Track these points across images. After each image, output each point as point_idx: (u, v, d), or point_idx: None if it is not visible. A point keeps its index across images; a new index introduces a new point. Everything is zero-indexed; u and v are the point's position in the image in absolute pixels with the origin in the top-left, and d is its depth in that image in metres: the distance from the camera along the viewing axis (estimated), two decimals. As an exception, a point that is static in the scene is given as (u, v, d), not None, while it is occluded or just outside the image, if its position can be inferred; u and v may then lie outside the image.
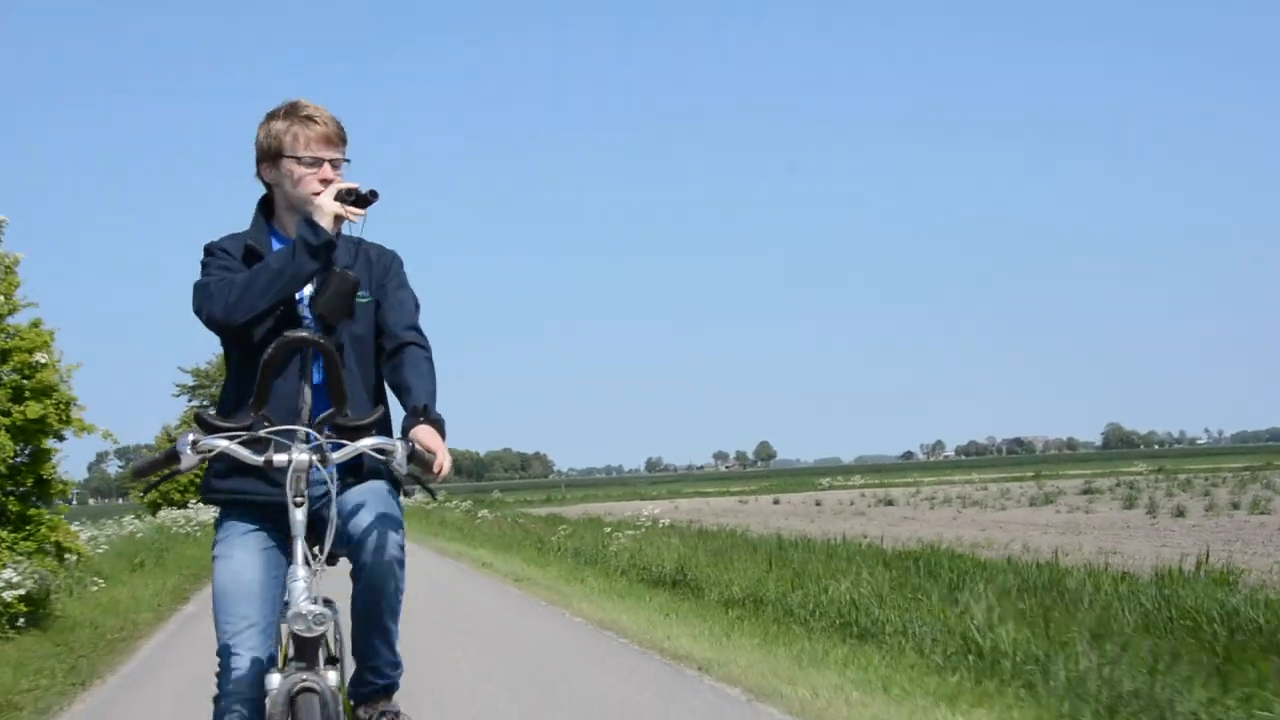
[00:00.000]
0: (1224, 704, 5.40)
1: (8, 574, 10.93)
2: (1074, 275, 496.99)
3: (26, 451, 11.56)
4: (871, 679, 6.68)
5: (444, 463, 3.11)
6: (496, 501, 58.25)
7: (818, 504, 46.65)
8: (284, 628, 3.05)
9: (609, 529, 18.44)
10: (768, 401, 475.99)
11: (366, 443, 3.11)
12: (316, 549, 3.14)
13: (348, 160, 3.49)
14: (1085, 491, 46.14)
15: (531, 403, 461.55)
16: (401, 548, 3.31)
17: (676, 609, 10.66)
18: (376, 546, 3.21)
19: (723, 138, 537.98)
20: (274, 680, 2.90)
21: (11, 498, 11.39)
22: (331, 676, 2.99)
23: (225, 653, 3.15)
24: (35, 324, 11.68)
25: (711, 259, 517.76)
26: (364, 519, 3.23)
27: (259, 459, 3.04)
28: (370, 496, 3.30)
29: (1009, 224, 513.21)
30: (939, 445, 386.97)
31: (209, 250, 3.46)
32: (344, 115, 3.53)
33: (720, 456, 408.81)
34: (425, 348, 3.44)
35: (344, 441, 3.14)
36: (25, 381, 11.42)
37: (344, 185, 3.33)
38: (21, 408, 11.20)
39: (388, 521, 3.25)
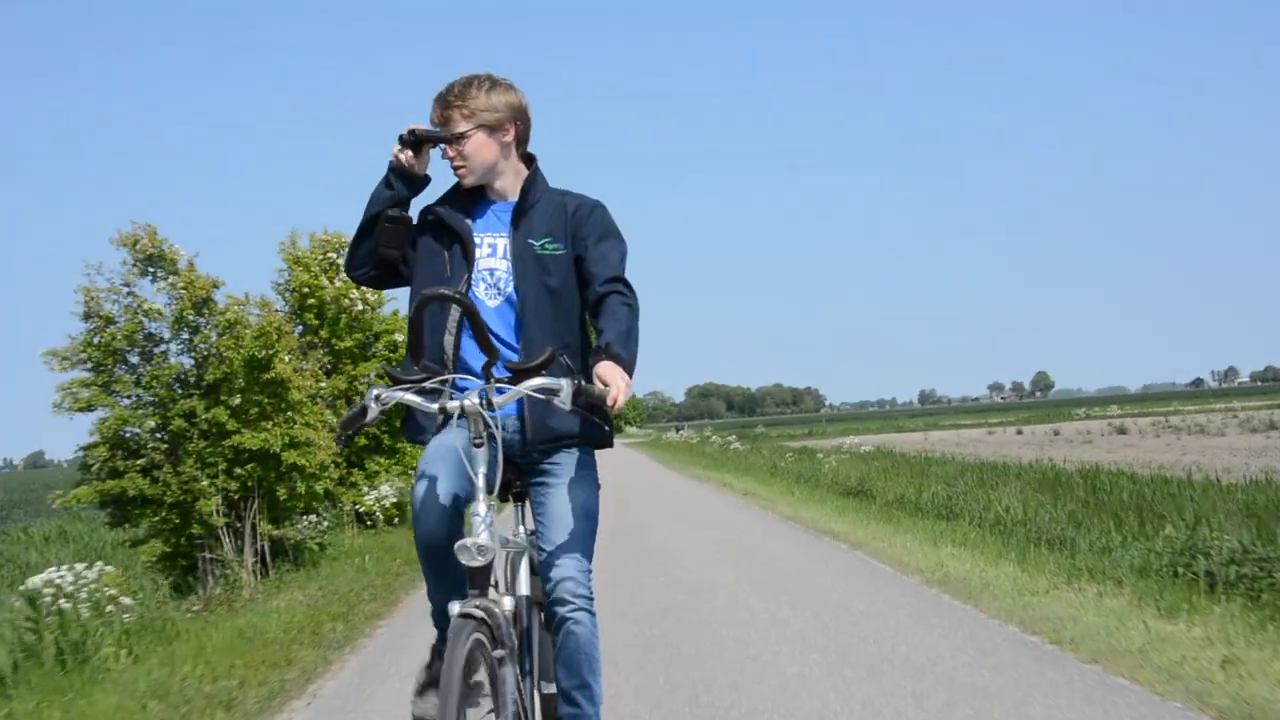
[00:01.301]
0: None
1: (384, 489, 16.35)
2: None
3: (393, 403, 16.88)
4: (934, 540, 10.76)
5: (617, 397, 3.15)
6: (760, 436, 62.02)
7: (1056, 434, 49.04)
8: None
9: (821, 455, 22.75)
10: (1047, 330, 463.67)
11: (530, 384, 3.19)
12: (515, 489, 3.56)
13: (483, 126, 3.56)
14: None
15: (803, 338, 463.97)
16: (588, 589, 3.41)
17: (846, 507, 14.92)
18: (560, 589, 3.36)
19: (1005, 69, 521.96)
20: (454, 607, 3.01)
21: (385, 435, 16.56)
22: (507, 602, 3.18)
23: (418, 481, 3.32)
24: (395, 313, 16.86)
25: (986, 185, 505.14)
26: (552, 545, 3.42)
27: (433, 406, 3.21)
28: (560, 516, 3.47)
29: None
30: (1232, 371, 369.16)
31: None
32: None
33: (995, 388, 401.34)
34: (625, 294, 3.49)
35: (507, 387, 3.23)
36: (390, 354, 16.58)
37: (415, 126, 3.54)
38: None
39: (575, 553, 3.41)
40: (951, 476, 16.57)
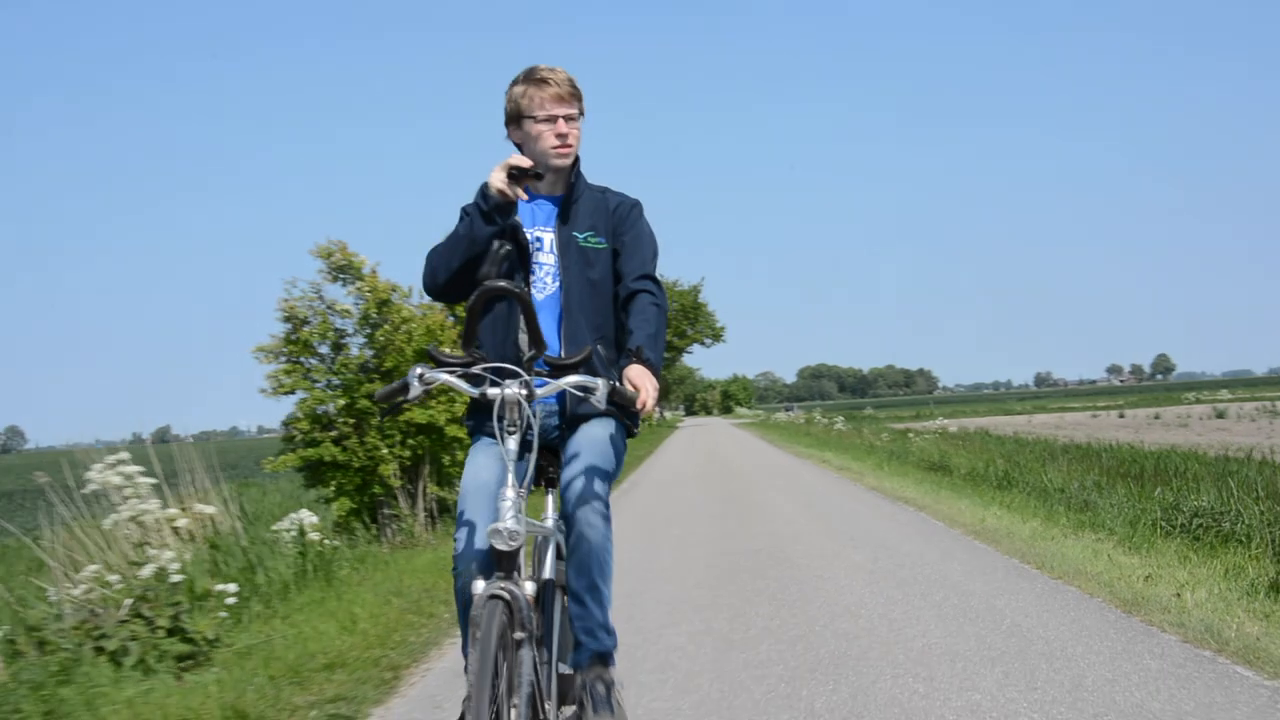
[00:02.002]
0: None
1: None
2: None
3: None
4: (986, 504, 12.82)
5: (646, 400, 3.33)
6: (866, 417, 63.60)
7: (1156, 417, 50.00)
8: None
9: (912, 435, 24.77)
10: (1170, 311, 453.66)
11: (568, 380, 3.32)
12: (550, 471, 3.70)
13: (582, 115, 3.75)
14: None
15: (918, 319, 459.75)
16: (604, 503, 3.54)
17: (924, 479, 17.01)
18: (579, 499, 3.48)
19: (1144, 34, 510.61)
20: (479, 586, 3.17)
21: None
22: (528, 587, 3.26)
23: (459, 529, 3.46)
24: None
25: (1107, 164, 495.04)
26: (574, 469, 3.53)
27: (475, 391, 3.32)
28: (585, 446, 3.57)
29: None
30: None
31: (461, 211, 3.79)
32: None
33: (1114, 370, 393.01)
34: (654, 294, 3.66)
35: (549, 380, 3.35)
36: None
37: (516, 161, 3.56)
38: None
39: (594, 474, 3.51)
40: (1011, 453, 18.52)
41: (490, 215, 3.55)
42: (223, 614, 6.87)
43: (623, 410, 3.43)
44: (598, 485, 3.49)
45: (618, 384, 3.30)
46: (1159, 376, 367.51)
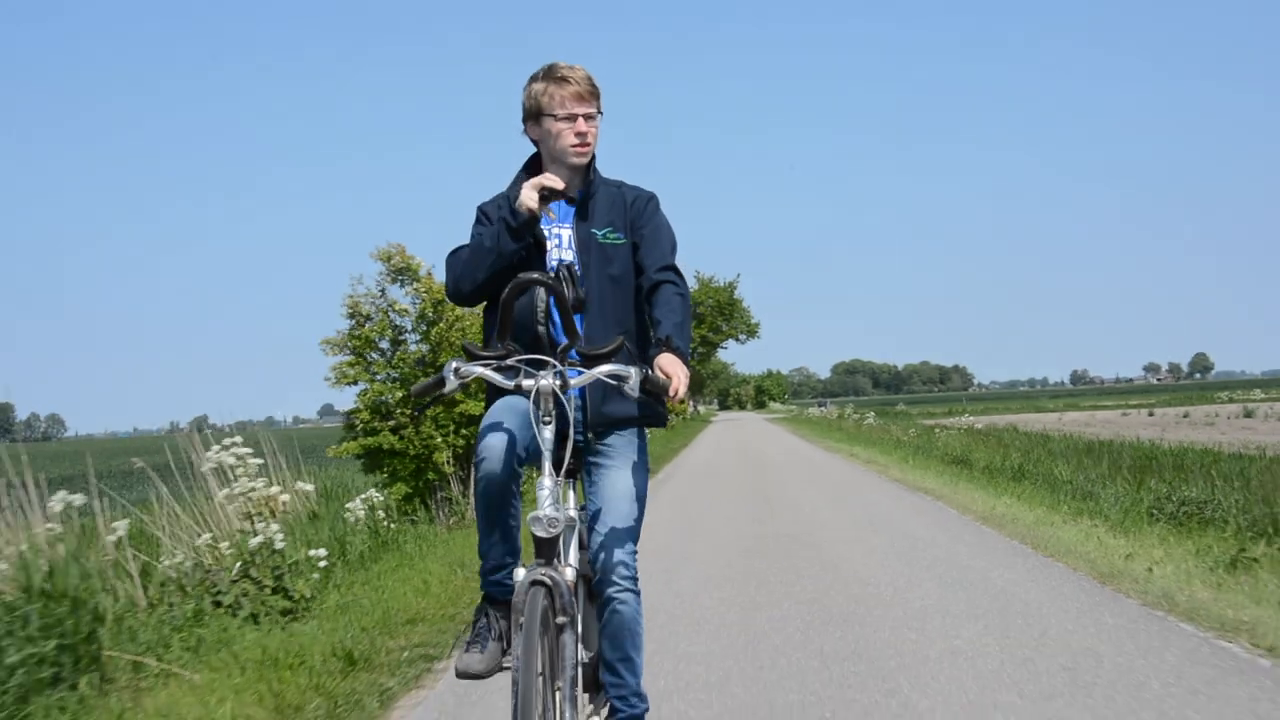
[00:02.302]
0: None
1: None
2: None
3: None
4: (998, 493, 13.76)
5: (679, 387, 3.37)
6: (898, 413, 64.19)
7: (1185, 416, 50.50)
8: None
9: (938, 431, 25.70)
10: (1209, 309, 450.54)
11: (602, 369, 3.38)
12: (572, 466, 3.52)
13: (600, 113, 3.77)
14: None
15: (954, 314, 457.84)
16: (633, 571, 3.59)
17: (945, 472, 17.97)
18: (608, 570, 3.56)
19: (1168, 46, 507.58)
20: (519, 573, 3.22)
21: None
22: (569, 572, 3.35)
23: (483, 430, 3.53)
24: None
25: (1140, 163, 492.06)
26: (601, 531, 3.60)
27: (510, 384, 3.39)
28: (612, 503, 3.65)
29: None
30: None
31: (478, 212, 3.84)
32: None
33: (1151, 368, 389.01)
34: (677, 284, 3.70)
35: (582, 370, 3.43)
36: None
37: (548, 183, 3.62)
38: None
39: (623, 539, 3.59)
40: (1029, 448, 19.42)
41: (519, 231, 3.62)
42: (315, 576, 7.91)
43: (655, 399, 3.42)
44: (626, 553, 3.57)
45: (650, 373, 3.35)
46: (1197, 375, 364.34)
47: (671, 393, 3.36)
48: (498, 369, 3.42)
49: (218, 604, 7.09)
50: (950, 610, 6.75)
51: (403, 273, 14.52)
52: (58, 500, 6.65)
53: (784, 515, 12.83)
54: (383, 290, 14.49)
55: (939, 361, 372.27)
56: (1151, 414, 56.40)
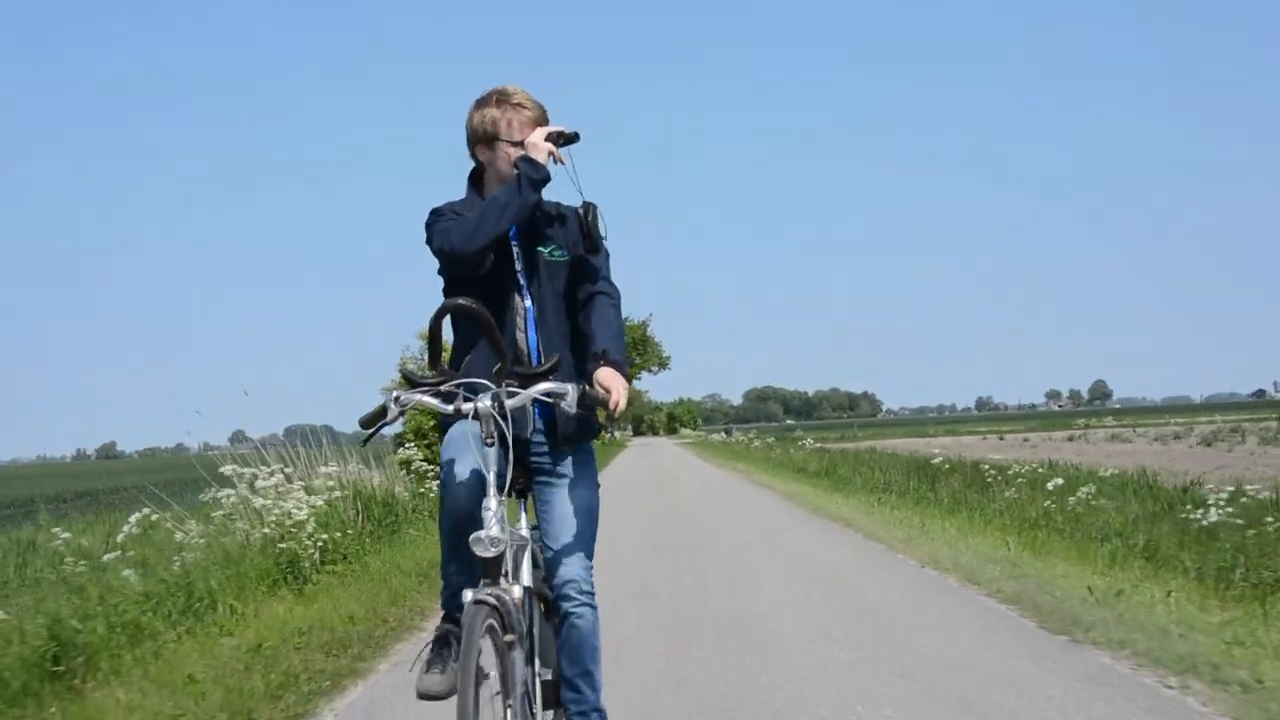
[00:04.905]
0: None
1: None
2: None
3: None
4: (824, 491, 21.74)
5: (619, 401, 3.46)
6: (794, 439, 72.10)
7: (1070, 439, 55.06)
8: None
9: (792, 450, 34.34)
10: (1106, 338, 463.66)
11: (538, 388, 3.42)
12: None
13: None
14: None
15: (863, 342, 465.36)
16: (590, 585, 3.69)
17: (790, 477, 26.22)
18: (566, 585, 3.65)
19: (1067, 70, 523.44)
20: (467, 595, 3.24)
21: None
22: (516, 591, 3.39)
23: (446, 468, 3.59)
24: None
25: (1044, 192, 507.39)
26: (558, 546, 3.70)
27: (449, 408, 3.43)
28: (567, 518, 3.73)
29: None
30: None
31: (436, 211, 3.80)
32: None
33: (1053, 395, 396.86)
34: (612, 296, 3.80)
35: (518, 390, 3.43)
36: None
37: (553, 129, 3.73)
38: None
39: (580, 553, 3.69)
40: (854, 462, 27.46)
41: (539, 182, 3.68)
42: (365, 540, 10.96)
43: (592, 411, 3.52)
44: (582, 568, 3.67)
45: (588, 388, 3.45)
46: (1096, 402, 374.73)
47: (611, 406, 3.48)
48: (436, 394, 3.48)
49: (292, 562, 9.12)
50: (746, 543, 14.52)
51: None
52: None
53: (679, 503, 20.67)
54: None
55: (849, 389, 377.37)
56: (1027, 439, 57.95)
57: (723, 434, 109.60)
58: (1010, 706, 5.07)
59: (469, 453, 3.51)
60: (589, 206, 3.79)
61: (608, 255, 3.89)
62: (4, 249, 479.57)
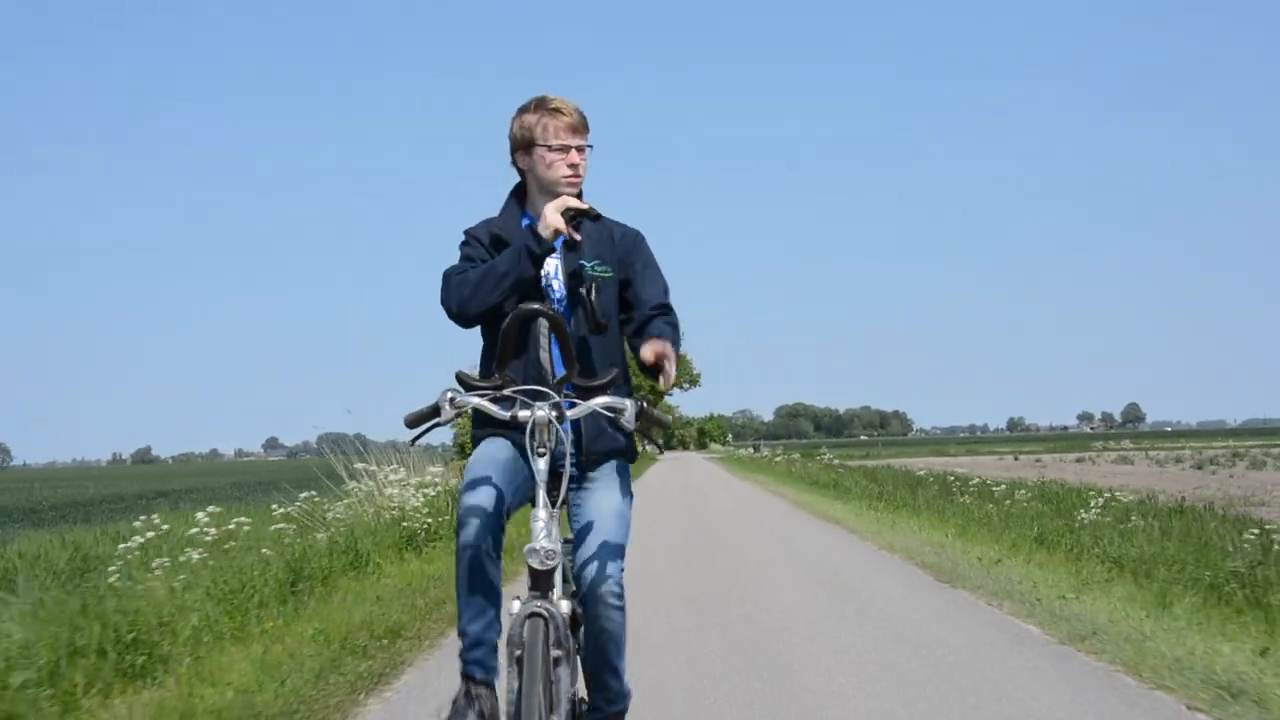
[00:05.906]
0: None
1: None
2: None
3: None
4: (830, 500, 24.86)
5: (670, 372, 3.50)
6: (818, 455, 75.43)
7: (1079, 460, 56.22)
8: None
9: (811, 465, 37.43)
10: (1143, 361, 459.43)
11: (598, 401, 3.37)
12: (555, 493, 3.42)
13: (590, 146, 3.82)
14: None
15: (895, 360, 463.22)
16: (620, 587, 3.53)
17: (804, 488, 29.35)
18: (596, 585, 3.49)
19: (1117, 88, 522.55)
20: (515, 606, 3.21)
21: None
22: (564, 605, 3.31)
23: (463, 500, 3.46)
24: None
25: (1083, 213, 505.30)
26: (589, 547, 3.54)
27: (505, 415, 3.35)
28: (600, 520, 3.60)
29: None
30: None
31: (465, 236, 3.80)
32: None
33: (1085, 418, 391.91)
34: (669, 317, 3.79)
35: (578, 401, 3.41)
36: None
37: (574, 205, 3.64)
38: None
39: (611, 555, 3.52)
40: (859, 478, 30.49)
41: (540, 258, 3.61)
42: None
43: (649, 431, 3.43)
44: (614, 569, 3.52)
45: (645, 405, 3.37)
46: (1129, 425, 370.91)
47: (664, 379, 3.53)
48: (494, 400, 3.41)
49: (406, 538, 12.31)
50: (756, 544, 17.78)
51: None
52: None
53: (701, 511, 23.75)
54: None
55: (880, 407, 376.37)
56: (1039, 460, 60.21)
57: (750, 449, 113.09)
58: (891, 612, 8.18)
59: (492, 479, 3.51)
60: (591, 284, 3.68)
61: (667, 287, 3.90)
62: (39, 260, 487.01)
